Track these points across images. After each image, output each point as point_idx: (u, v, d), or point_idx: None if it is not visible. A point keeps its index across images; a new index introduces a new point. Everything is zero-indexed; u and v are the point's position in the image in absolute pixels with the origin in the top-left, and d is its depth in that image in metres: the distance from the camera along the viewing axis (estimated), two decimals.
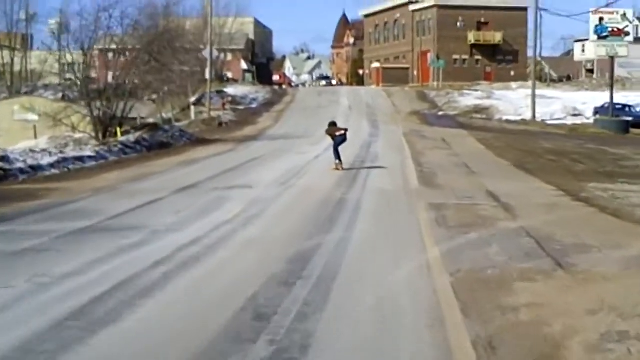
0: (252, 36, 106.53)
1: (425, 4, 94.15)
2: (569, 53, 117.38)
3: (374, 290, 8.73)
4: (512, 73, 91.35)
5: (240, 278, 9.33)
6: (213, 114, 54.68)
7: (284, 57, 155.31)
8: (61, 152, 27.59)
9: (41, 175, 23.71)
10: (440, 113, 60.37)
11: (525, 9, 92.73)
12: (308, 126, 46.77)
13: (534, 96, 55.55)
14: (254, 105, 65.81)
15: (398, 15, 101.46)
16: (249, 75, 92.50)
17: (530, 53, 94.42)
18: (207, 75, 55.85)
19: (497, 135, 42.48)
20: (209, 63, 55.68)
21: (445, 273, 9.64)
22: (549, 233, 13.07)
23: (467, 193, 18.98)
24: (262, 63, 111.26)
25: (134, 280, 9.01)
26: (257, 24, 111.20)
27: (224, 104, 60.36)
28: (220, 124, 51.26)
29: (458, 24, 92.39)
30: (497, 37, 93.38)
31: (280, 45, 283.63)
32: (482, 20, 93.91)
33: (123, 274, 9.31)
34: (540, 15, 59.12)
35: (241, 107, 63.03)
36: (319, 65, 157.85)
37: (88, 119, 37.72)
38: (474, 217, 14.98)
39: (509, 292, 8.73)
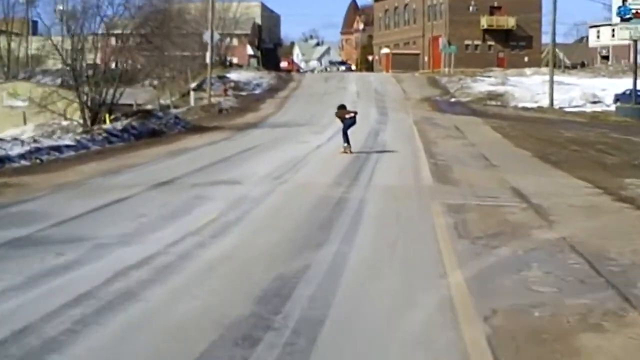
0: (258, 21, 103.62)
1: None
2: (582, 40, 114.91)
3: (374, 357, 6.02)
4: (526, 59, 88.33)
5: (183, 329, 6.55)
6: (214, 100, 51.96)
7: (292, 44, 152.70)
8: (35, 141, 24.89)
9: (8, 168, 21.07)
10: (453, 100, 57.50)
11: None
12: (313, 113, 44.15)
13: (551, 82, 52.67)
14: (257, 91, 63.00)
15: None
16: (253, 61, 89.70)
17: (544, 38, 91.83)
18: (208, 60, 53.05)
19: (514, 123, 39.65)
20: (209, 47, 52.89)
21: (477, 317, 6.92)
22: (598, 247, 10.38)
23: (489, 191, 16.29)
24: (269, 48, 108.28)
25: (20, 338, 6.24)
26: (264, 8, 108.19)
27: (225, 90, 57.67)
28: (221, 111, 48.55)
29: (470, 8, 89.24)
30: (510, 22, 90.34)
31: (289, 31, 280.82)
32: (495, 4, 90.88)
33: (16, 322, 6.58)
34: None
35: (244, 93, 60.22)
36: (327, 51, 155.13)
37: (77, 105, 35.34)
38: (501, 224, 12.28)
39: (573, 353, 6.03)
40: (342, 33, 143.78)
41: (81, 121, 35.40)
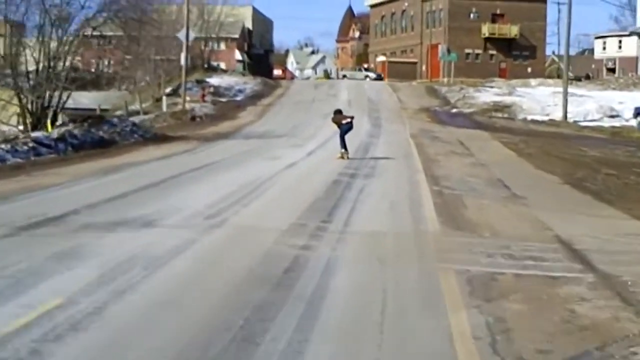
0: (249, 25, 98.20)
1: None
2: (584, 52, 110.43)
3: None
4: (529, 70, 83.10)
5: None
6: (188, 106, 46.44)
7: (287, 51, 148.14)
8: None
9: None
10: (454, 110, 51.96)
11: (544, 0, 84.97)
12: (296, 123, 38.70)
13: (565, 94, 47.26)
14: (239, 98, 57.36)
15: (406, 4, 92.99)
16: (239, 66, 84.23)
17: (549, 49, 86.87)
18: (182, 61, 47.47)
19: (526, 138, 34.15)
20: (184, 46, 47.31)
21: None
22: None
23: (526, 244, 10.80)
24: (259, 54, 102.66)
25: None
26: (256, 12, 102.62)
27: (203, 95, 52.18)
28: (194, 118, 43.11)
29: (471, 15, 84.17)
30: (513, 30, 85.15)
31: (284, 39, 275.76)
32: (498, 11, 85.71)
33: None
34: (568, 5, 50.15)
35: (224, 99, 54.55)
36: (323, 60, 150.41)
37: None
38: (570, 328, 6.78)
39: None
40: (338, 41, 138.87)
41: (21, 127, 30.22)
